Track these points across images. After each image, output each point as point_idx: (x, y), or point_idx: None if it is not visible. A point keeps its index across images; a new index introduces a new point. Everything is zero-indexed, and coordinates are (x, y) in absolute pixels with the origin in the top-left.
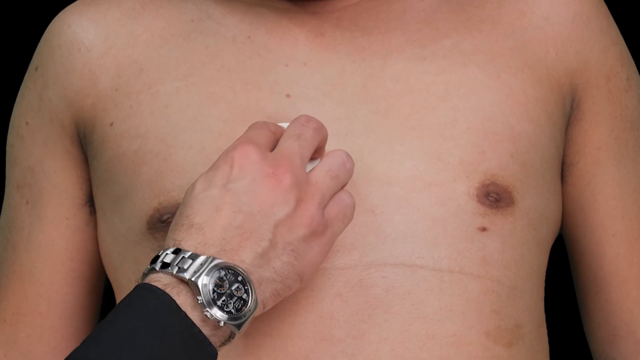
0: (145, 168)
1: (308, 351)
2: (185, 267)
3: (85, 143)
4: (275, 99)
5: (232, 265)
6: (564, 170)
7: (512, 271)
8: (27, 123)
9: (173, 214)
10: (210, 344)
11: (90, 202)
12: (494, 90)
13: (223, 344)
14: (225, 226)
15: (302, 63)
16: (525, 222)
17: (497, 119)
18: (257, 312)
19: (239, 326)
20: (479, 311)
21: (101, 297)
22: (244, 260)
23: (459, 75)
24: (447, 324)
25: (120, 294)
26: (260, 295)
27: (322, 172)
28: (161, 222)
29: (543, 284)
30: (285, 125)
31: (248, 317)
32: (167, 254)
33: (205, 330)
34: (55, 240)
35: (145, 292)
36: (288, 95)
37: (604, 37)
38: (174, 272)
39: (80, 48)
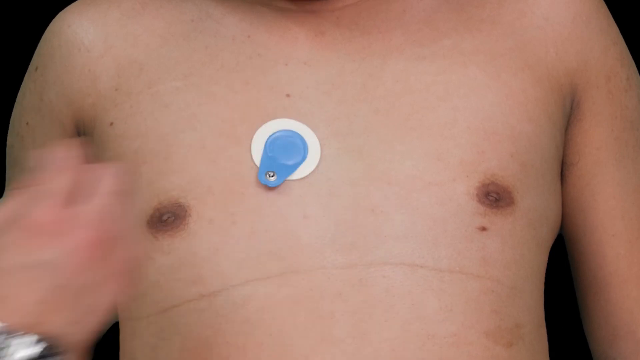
0: (145, 167)
1: (308, 351)
2: None
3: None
4: (275, 98)
5: (38, 336)
6: (564, 170)
7: (512, 271)
8: (27, 123)
9: (173, 214)
10: None
11: None
12: (494, 90)
13: None
14: (28, 302)
15: (302, 62)
16: (525, 221)
17: (497, 118)
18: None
19: None
20: (479, 311)
21: None
22: (51, 329)
23: (459, 75)
24: (447, 323)
25: None
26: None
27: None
28: (161, 222)
29: (543, 284)
30: (284, 121)
31: None
32: None
33: None
34: None
35: None
36: (288, 95)
37: (604, 37)
38: None
39: (80, 48)
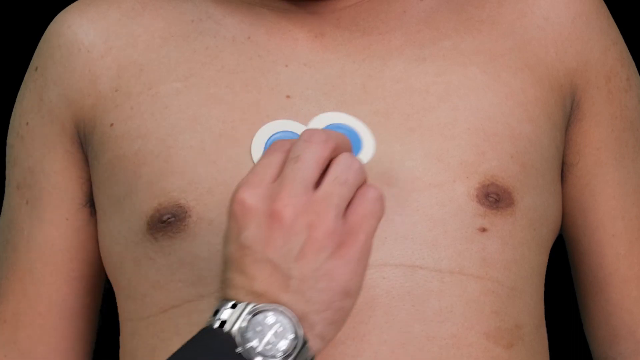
0: (145, 169)
1: None
2: (226, 318)
3: (85, 143)
4: (275, 99)
5: (269, 307)
6: (564, 170)
7: (512, 272)
8: (27, 123)
9: (173, 214)
10: None
11: (91, 203)
12: (494, 91)
13: None
14: (251, 277)
15: (302, 64)
16: (526, 222)
17: (497, 119)
18: (317, 346)
19: None
20: (479, 312)
21: (101, 297)
22: (279, 302)
23: (458, 76)
24: (447, 325)
25: (120, 295)
26: (310, 330)
27: (328, 184)
28: (161, 223)
29: (543, 284)
30: (284, 122)
31: (297, 355)
32: (216, 305)
33: None
34: (56, 241)
35: (206, 335)
36: (288, 96)
37: (604, 37)
38: (216, 326)
39: (80, 48)
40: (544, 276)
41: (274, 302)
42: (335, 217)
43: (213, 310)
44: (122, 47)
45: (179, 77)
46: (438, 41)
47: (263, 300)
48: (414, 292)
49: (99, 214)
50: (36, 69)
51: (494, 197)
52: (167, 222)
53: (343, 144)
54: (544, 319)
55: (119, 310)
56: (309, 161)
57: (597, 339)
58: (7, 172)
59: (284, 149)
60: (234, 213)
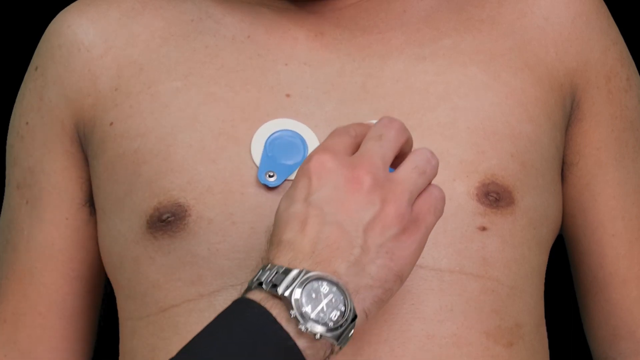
0: (145, 167)
1: None
2: (278, 282)
3: (85, 143)
4: (275, 98)
5: (325, 276)
6: (564, 170)
7: (512, 271)
8: (27, 123)
9: (173, 213)
10: (303, 358)
11: (91, 202)
12: (494, 90)
13: (327, 357)
14: (314, 239)
15: (302, 62)
16: (526, 221)
17: (497, 118)
18: (359, 322)
19: (337, 338)
20: (479, 311)
21: (101, 297)
22: (337, 271)
23: (458, 75)
24: (447, 324)
25: (120, 294)
26: (360, 304)
27: (408, 170)
28: (161, 222)
29: (543, 284)
30: (284, 121)
31: (346, 328)
32: (261, 272)
33: (301, 344)
34: (55, 241)
35: (241, 305)
36: (288, 95)
37: (604, 37)
38: (267, 288)
39: (80, 48)
40: (544, 276)
41: (331, 271)
42: (407, 202)
43: (257, 271)
44: (121, 47)
45: (179, 76)
46: (438, 40)
47: (320, 268)
48: (414, 291)
49: (98, 213)
50: (36, 68)
51: (494, 196)
52: (166, 221)
53: (410, 140)
54: (544, 319)
55: (119, 310)
56: (391, 141)
57: (597, 339)
58: (7, 172)
59: (348, 134)
60: (309, 172)
